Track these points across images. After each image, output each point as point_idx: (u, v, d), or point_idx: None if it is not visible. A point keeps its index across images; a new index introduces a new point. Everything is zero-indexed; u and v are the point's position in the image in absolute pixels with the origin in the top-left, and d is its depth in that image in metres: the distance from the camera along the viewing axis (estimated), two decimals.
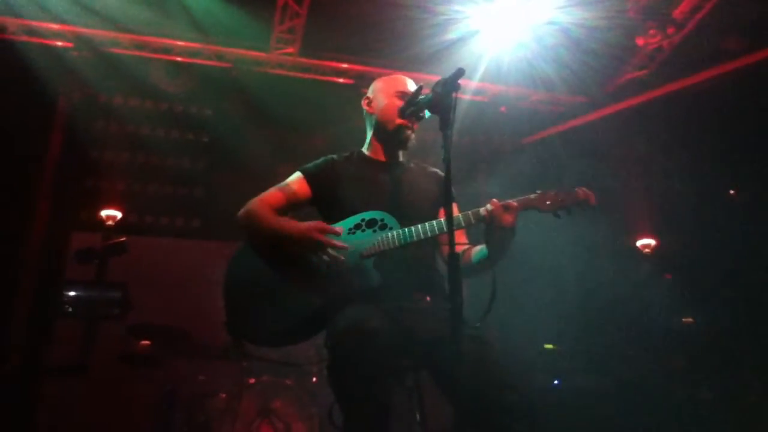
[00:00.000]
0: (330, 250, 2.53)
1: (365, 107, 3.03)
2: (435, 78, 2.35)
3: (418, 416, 2.62)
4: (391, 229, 2.59)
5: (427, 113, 2.59)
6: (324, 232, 2.55)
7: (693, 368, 6.19)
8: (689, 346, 6.33)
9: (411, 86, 2.94)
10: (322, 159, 2.96)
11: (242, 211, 2.80)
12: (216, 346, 5.24)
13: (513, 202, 2.52)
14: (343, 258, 2.54)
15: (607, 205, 2.58)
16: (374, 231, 2.62)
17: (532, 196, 2.54)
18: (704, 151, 6.61)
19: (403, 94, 2.88)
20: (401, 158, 3.02)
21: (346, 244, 2.56)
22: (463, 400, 2.19)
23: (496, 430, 2.29)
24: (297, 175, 2.90)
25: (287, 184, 2.88)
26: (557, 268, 6.34)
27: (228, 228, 6.40)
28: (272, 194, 2.84)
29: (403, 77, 3.00)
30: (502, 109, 7.55)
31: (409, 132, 2.88)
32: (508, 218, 2.49)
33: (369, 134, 3.04)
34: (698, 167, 6.64)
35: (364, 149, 3.04)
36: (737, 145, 6.49)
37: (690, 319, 6.46)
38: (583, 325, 6.38)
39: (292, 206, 2.85)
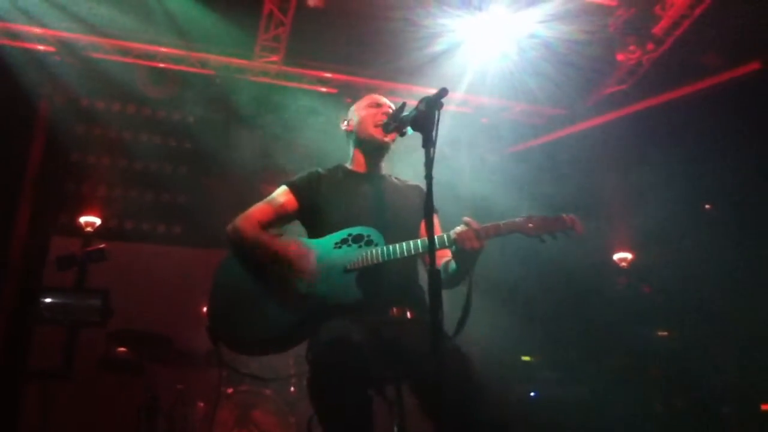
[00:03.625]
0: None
1: (344, 128, 3.10)
2: (419, 89, 2.41)
3: (396, 429, 2.64)
4: (376, 245, 2.63)
5: (410, 130, 2.63)
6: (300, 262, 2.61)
7: (668, 379, 6.27)
8: (664, 358, 6.41)
9: (383, 99, 3.03)
10: (306, 172, 3.00)
11: (230, 226, 2.83)
12: (196, 354, 5.23)
13: (490, 229, 2.54)
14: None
15: (585, 217, 2.61)
16: (360, 246, 2.65)
17: (518, 220, 2.54)
18: (681, 165, 6.71)
19: (376, 105, 2.98)
20: (383, 171, 3.07)
21: (315, 274, 2.61)
22: (442, 414, 2.21)
23: None
24: (283, 189, 2.93)
25: (274, 198, 2.91)
26: (535, 281, 6.40)
27: (209, 235, 6.44)
28: (260, 209, 2.87)
29: (375, 95, 3.10)
30: (484, 120, 7.61)
31: (386, 139, 2.92)
32: (474, 244, 2.50)
33: (351, 151, 3.09)
34: (675, 181, 6.74)
35: (347, 164, 3.09)
36: (713, 159, 6.60)
37: (665, 332, 6.55)
38: (560, 337, 6.44)
39: (279, 219, 2.89)
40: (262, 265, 2.71)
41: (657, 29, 6.42)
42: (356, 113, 3.04)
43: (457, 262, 2.65)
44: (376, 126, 2.90)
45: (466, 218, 2.55)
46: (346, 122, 3.09)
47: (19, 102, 6.28)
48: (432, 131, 2.22)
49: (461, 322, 2.60)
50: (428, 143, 2.20)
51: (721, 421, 5.95)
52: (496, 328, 6.11)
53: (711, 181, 6.75)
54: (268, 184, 6.37)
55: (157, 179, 7.21)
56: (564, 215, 2.54)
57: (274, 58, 6.72)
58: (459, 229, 2.55)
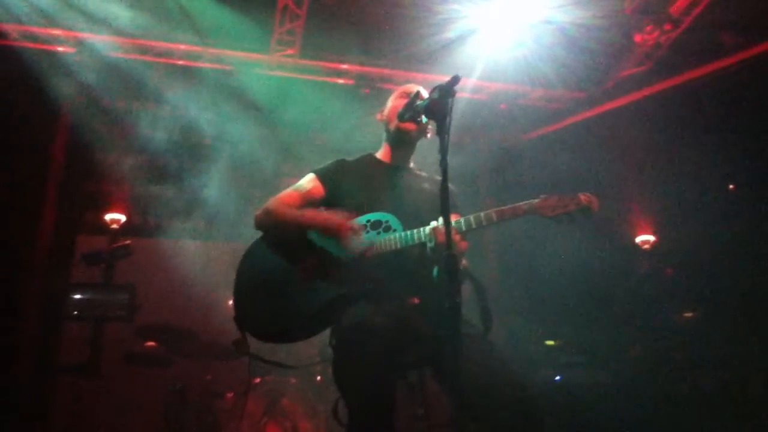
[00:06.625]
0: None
1: (378, 117, 3.14)
2: (434, 77, 2.42)
3: (420, 411, 2.68)
4: (394, 231, 2.67)
5: (424, 118, 2.67)
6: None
7: (694, 362, 6.24)
8: (690, 340, 6.37)
9: (416, 89, 3.00)
10: (333, 160, 3.05)
11: (260, 210, 2.90)
12: (222, 346, 5.31)
13: (507, 211, 2.55)
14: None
15: (606, 201, 2.60)
16: (378, 233, 2.69)
17: (535, 201, 2.55)
18: (703, 146, 6.64)
19: (406, 95, 2.97)
20: (411, 163, 3.10)
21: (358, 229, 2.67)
22: (465, 397, 2.23)
23: (498, 426, 2.36)
24: (310, 176, 2.99)
25: (301, 185, 2.97)
26: (558, 265, 6.38)
27: (231, 229, 6.51)
28: (288, 194, 2.93)
29: (413, 84, 3.06)
30: (502, 106, 7.59)
31: (410, 132, 2.96)
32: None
33: (382, 140, 3.15)
34: (697, 163, 6.68)
35: (377, 153, 3.14)
36: (735, 140, 6.53)
37: (690, 314, 6.50)
38: (585, 320, 6.43)
39: (306, 206, 2.94)
40: (296, 240, 2.77)
41: (674, 9, 6.35)
42: (388, 103, 3.09)
43: None
44: (399, 121, 2.93)
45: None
46: (381, 111, 3.14)
47: (42, 104, 6.37)
48: (446, 119, 2.24)
49: (488, 325, 2.63)
50: (442, 130, 2.23)
51: (748, 401, 5.90)
52: (519, 313, 6.13)
53: (734, 160, 6.68)
54: (287, 177, 6.42)
55: (178, 175, 7.28)
56: (580, 194, 2.52)
57: (291, 52, 6.75)
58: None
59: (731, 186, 7.21)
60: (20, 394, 5.62)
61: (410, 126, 2.90)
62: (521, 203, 2.57)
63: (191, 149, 7.35)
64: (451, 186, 2.21)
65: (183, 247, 7.16)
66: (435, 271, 2.68)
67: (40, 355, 5.96)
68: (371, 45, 6.75)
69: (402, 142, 3.01)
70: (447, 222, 2.15)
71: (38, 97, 6.29)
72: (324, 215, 2.76)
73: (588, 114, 7.39)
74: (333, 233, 2.68)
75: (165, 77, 6.81)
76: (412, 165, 3.13)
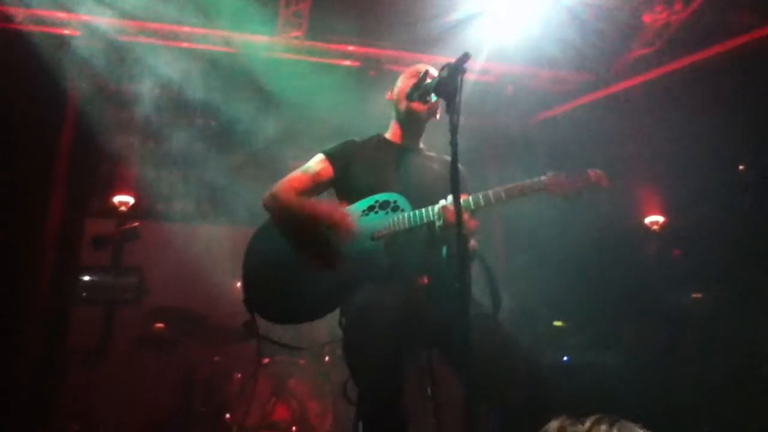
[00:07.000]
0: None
1: (387, 97, 3.13)
2: (442, 59, 2.40)
3: (429, 391, 2.69)
4: (403, 211, 2.66)
5: (433, 97, 2.65)
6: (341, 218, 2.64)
7: (702, 343, 6.23)
8: (698, 321, 6.36)
9: (425, 68, 3.00)
10: (342, 141, 3.04)
11: (267, 194, 2.90)
12: (230, 329, 5.32)
13: (514, 189, 2.55)
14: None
15: (615, 182, 2.61)
16: (386, 213, 2.69)
17: (543, 178, 2.55)
18: (713, 126, 6.59)
19: (416, 74, 2.97)
20: (420, 144, 3.09)
21: (356, 229, 2.64)
22: (474, 377, 2.23)
23: (508, 404, 2.36)
24: (319, 157, 2.98)
25: (310, 166, 2.96)
26: (566, 246, 6.37)
27: (237, 213, 6.50)
28: (296, 177, 2.93)
29: (423, 65, 3.06)
30: (510, 88, 7.54)
31: (420, 112, 2.94)
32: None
33: (391, 120, 3.13)
34: (707, 143, 6.63)
35: (386, 134, 3.13)
36: (747, 120, 6.48)
37: (699, 295, 6.49)
38: (592, 301, 6.42)
39: (315, 188, 2.95)
40: (300, 230, 2.75)
41: None
42: (398, 83, 3.09)
43: None
44: (408, 100, 2.92)
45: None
46: (391, 91, 3.13)
47: (48, 87, 6.35)
48: (455, 97, 2.22)
49: (496, 305, 2.64)
50: (452, 109, 2.21)
51: (757, 386, 5.90)
52: (527, 294, 6.12)
53: (744, 141, 6.64)
54: (293, 159, 6.39)
55: (185, 159, 7.27)
56: (589, 170, 2.54)
57: (297, 34, 6.70)
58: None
59: (741, 166, 7.15)
60: (29, 381, 5.64)
61: (419, 106, 2.89)
62: (530, 181, 2.57)
63: (197, 132, 7.33)
64: (460, 166, 2.20)
65: (190, 231, 7.16)
66: (444, 250, 2.68)
67: (50, 341, 5.98)
68: (378, 26, 6.70)
69: (411, 122, 3.01)
70: (456, 201, 2.14)
71: (44, 80, 6.27)
72: (325, 207, 2.74)
73: (597, 95, 7.34)
74: (334, 225, 2.67)
75: (170, 59, 6.77)
76: (421, 145, 3.12)
